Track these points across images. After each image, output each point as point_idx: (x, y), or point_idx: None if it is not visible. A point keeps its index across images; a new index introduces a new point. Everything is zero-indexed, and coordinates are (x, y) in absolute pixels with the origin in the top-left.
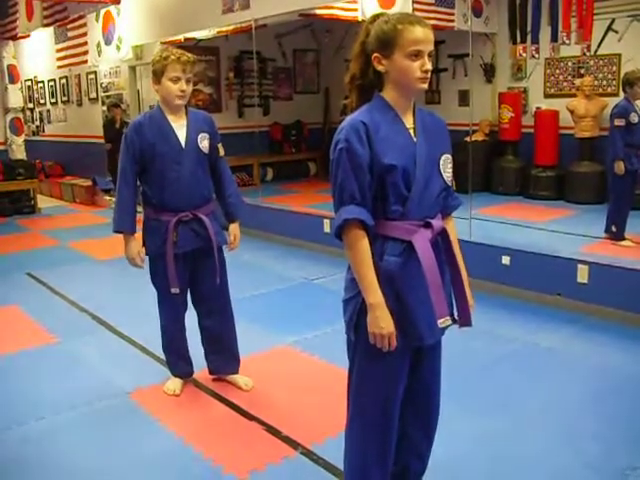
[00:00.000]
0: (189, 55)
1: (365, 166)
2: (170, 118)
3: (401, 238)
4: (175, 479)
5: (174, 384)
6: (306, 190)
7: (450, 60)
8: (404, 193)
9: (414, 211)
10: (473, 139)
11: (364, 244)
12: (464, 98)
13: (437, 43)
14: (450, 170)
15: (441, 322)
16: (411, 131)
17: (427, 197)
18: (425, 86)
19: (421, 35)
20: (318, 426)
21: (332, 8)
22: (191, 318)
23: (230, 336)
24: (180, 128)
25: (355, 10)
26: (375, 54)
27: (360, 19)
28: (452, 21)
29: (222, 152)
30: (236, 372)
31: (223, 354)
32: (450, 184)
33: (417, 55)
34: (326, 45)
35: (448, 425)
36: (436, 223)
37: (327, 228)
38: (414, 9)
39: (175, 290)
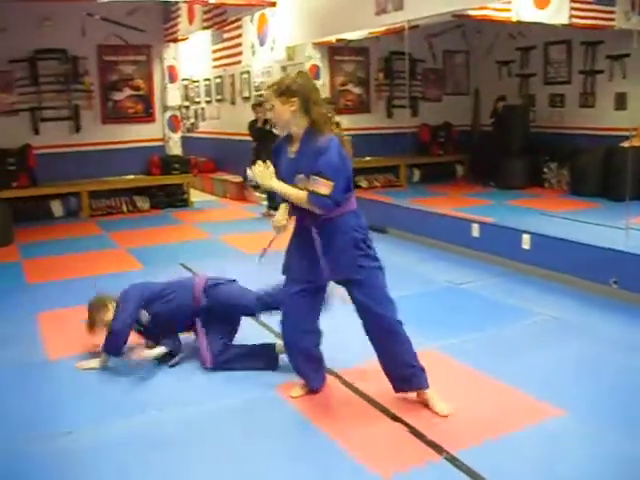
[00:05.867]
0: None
1: None
2: None
3: None
4: (319, 472)
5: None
6: (453, 193)
7: (607, 61)
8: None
9: None
10: (631, 144)
11: None
12: (621, 101)
13: (594, 43)
14: None
15: None
16: None
17: None
18: None
19: None
20: (462, 432)
21: (486, 9)
22: None
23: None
24: None
25: (509, 10)
26: None
27: (514, 19)
28: (612, 20)
29: None
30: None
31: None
32: None
33: None
34: (476, 46)
35: None
36: None
37: (475, 232)
38: (571, 8)
39: None
